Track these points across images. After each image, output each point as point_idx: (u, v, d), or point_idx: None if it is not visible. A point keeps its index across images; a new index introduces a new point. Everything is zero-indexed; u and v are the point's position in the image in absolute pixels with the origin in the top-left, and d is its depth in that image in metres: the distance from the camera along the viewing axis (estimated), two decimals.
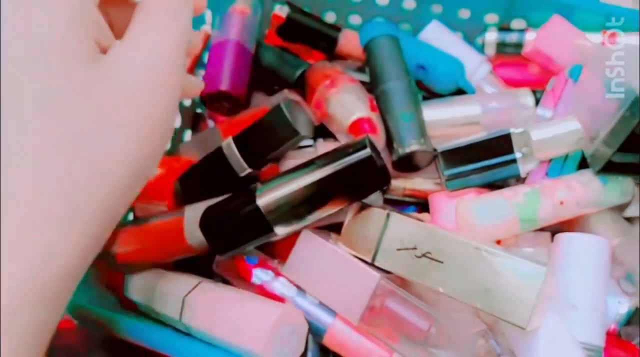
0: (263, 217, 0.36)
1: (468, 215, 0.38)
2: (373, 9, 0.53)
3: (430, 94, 0.49)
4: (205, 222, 0.38)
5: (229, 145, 0.41)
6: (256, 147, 0.40)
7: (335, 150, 0.36)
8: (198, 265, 0.43)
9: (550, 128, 0.42)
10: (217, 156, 0.41)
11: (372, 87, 0.47)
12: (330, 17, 0.55)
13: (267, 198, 0.36)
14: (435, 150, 0.42)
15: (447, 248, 0.34)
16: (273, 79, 0.51)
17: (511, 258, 0.32)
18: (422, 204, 0.47)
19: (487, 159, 0.40)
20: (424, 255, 0.34)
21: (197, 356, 0.37)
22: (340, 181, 0.34)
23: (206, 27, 0.54)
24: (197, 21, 0.52)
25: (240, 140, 0.40)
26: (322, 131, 0.46)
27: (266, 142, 0.39)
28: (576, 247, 0.39)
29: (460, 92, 0.49)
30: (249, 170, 0.41)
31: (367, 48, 0.49)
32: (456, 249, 0.33)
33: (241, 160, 0.40)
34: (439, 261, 0.33)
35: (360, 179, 0.34)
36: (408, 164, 0.44)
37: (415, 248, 0.34)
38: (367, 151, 0.34)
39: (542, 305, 0.32)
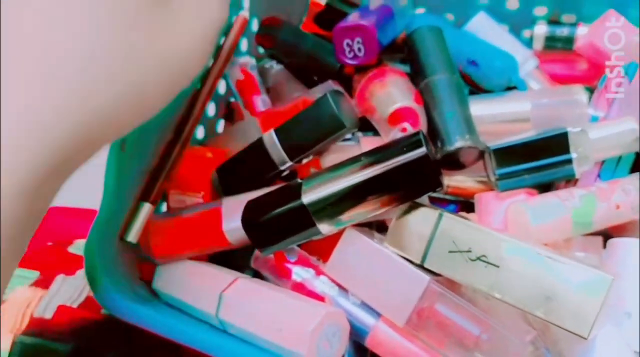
0: (308, 214, 0.34)
1: (521, 216, 0.37)
2: None
3: (479, 91, 0.47)
4: (247, 217, 0.36)
5: (271, 137, 0.39)
6: (299, 139, 0.39)
7: (387, 146, 0.34)
8: (233, 259, 0.42)
9: (606, 128, 0.40)
10: (257, 148, 0.40)
11: (415, 80, 0.46)
12: None
13: (313, 195, 0.34)
14: (486, 146, 0.41)
15: (505, 252, 0.32)
16: (312, 68, 0.49)
17: (575, 265, 0.30)
18: (463, 203, 0.45)
19: (542, 159, 0.39)
20: (478, 258, 0.32)
21: (235, 354, 0.36)
22: (391, 181, 0.33)
23: (244, 12, 0.52)
24: (235, 4, 0.50)
25: (282, 132, 0.39)
26: (363, 125, 0.45)
27: (310, 134, 0.38)
28: (630, 253, 0.37)
29: (507, 89, 0.47)
30: (289, 163, 0.39)
31: (409, 39, 0.47)
32: (515, 254, 0.32)
33: (282, 152, 0.39)
34: (495, 265, 0.32)
35: (414, 180, 0.33)
36: (454, 162, 0.42)
37: (469, 251, 0.33)
38: (422, 150, 0.32)
39: (603, 314, 0.31)
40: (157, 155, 0.43)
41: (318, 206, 0.34)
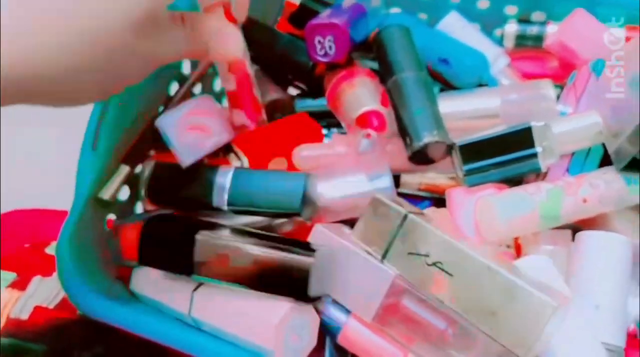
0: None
1: (489, 211, 0.37)
2: None
3: (450, 88, 0.48)
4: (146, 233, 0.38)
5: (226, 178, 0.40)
6: (249, 201, 0.40)
7: (281, 240, 0.35)
8: None
9: (570, 121, 0.41)
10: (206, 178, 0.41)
11: (383, 79, 0.46)
12: None
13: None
14: (452, 142, 0.41)
15: (460, 262, 0.32)
16: (286, 67, 0.50)
17: (524, 287, 0.30)
18: (437, 199, 0.45)
19: (507, 154, 0.39)
20: (434, 264, 0.33)
21: (208, 350, 0.36)
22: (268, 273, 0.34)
23: None
24: None
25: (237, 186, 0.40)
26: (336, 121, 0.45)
27: (263, 201, 0.39)
28: (598, 246, 0.38)
29: (479, 86, 0.48)
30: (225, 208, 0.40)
31: (377, 38, 0.47)
32: (469, 265, 0.32)
33: (225, 197, 0.40)
34: (449, 274, 0.32)
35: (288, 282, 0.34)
36: (424, 157, 0.42)
37: (427, 255, 0.33)
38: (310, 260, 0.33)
39: (548, 337, 0.31)
40: (141, 123, 0.43)
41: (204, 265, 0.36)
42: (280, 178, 0.40)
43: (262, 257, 0.34)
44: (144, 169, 0.44)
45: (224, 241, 0.35)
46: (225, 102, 0.56)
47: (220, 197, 0.39)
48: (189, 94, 0.48)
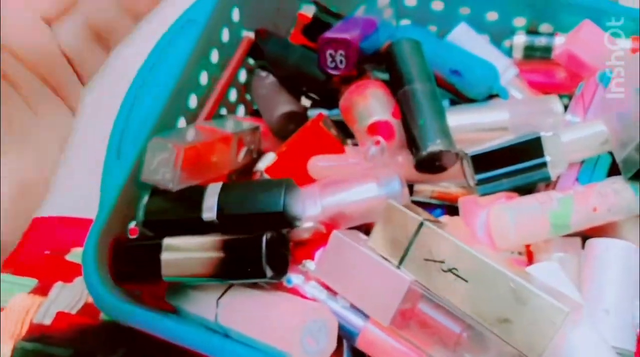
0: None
1: (501, 219, 0.39)
2: (401, 10, 0.53)
3: (462, 99, 0.49)
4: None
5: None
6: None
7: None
8: None
9: (576, 130, 0.42)
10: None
11: (394, 90, 0.47)
12: None
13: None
14: (458, 150, 0.42)
15: (475, 269, 0.33)
16: (300, 79, 0.51)
17: (537, 292, 0.31)
18: (449, 207, 0.47)
19: (517, 163, 0.40)
20: (450, 270, 0.34)
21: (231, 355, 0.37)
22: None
23: (250, 34, 0.54)
24: (226, 18, 0.52)
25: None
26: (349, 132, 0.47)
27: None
28: (607, 253, 0.39)
29: (490, 97, 0.49)
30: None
31: (388, 51, 0.48)
32: (483, 272, 0.33)
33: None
34: (464, 280, 0.33)
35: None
36: (431, 166, 0.43)
37: (442, 262, 0.34)
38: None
39: (562, 339, 0.32)
40: None
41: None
42: (265, 182, 0.43)
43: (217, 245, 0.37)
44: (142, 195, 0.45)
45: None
46: (240, 112, 0.58)
47: (210, 209, 0.41)
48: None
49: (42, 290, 0.57)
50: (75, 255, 0.61)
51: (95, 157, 0.44)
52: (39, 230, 0.65)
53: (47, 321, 0.53)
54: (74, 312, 0.54)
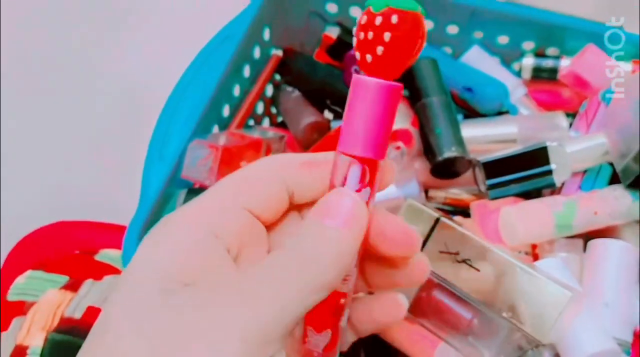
0: None
1: (510, 220, 0.42)
2: None
3: (475, 114, 0.53)
4: None
5: None
6: None
7: None
8: None
9: (579, 142, 0.46)
10: None
11: (413, 103, 0.51)
12: None
13: None
14: (472, 157, 0.46)
15: (486, 259, 0.37)
16: (324, 94, 0.55)
17: (541, 278, 0.35)
18: (460, 212, 0.50)
19: (525, 170, 0.44)
20: (464, 261, 0.37)
21: None
22: None
23: (278, 52, 0.59)
24: (257, 37, 0.56)
25: None
26: None
27: None
28: (607, 251, 0.42)
29: (500, 113, 0.53)
30: None
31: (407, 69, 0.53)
32: (494, 262, 0.36)
33: None
34: (476, 269, 0.37)
35: None
36: (446, 171, 0.47)
37: (457, 253, 0.38)
38: None
39: (566, 323, 0.35)
40: None
41: None
42: None
43: None
44: (179, 196, 0.48)
45: None
46: (266, 123, 0.62)
47: None
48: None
49: (72, 286, 0.59)
50: (104, 255, 0.64)
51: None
52: (67, 232, 0.68)
53: (78, 315, 0.56)
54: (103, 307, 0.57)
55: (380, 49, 0.20)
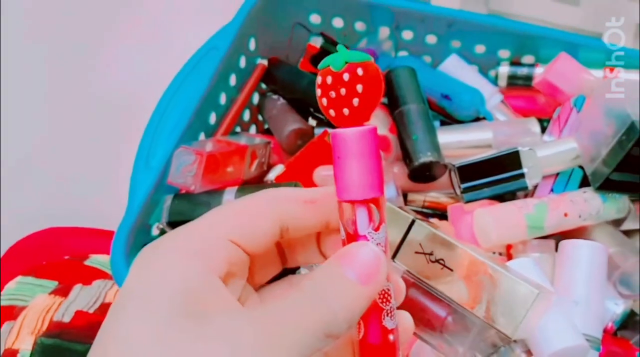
0: None
1: (484, 222, 0.44)
2: (399, 43, 0.60)
3: (452, 121, 0.55)
4: None
5: None
6: None
7: None
8: None
9: (552, 147, 0.47)
10: None
11: (391, 110, 0.53)
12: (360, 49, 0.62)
13: None
14: (447, 162, 0.48)
15: (459, 259, 0.38)
16: (308, 102, 0.57)
17: (511, 277, 0.36)
18: (439, 215, 0.52)
19: (498, 174, 0.46)
20: (437, 261, 0.39)
21: None
22: None
23: (263, 61, 0.60)
24: (242, 48, 0.58)
25: None
26: None
27: None
28: (577, 251, 0.44)
29: (477, 119, 0.55)
30: None
31: (387, 77, 0.54)
32: (466, 261, 0.38)
33: None
34: (450, 269, 0.38)
35: None
36: (423, 175, 0.49)
37: (431, 253, 0.39)
38: None
39: (535, 320, 0.36)
40: None
41: None
42: (276, 185, 0.47)
43: None
44: (165, 200, 0.49)
45: None
46: (252, 130, 0.64)
47: None
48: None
49: (62, 291, 0.60)
50: (93, 260, 0.65)
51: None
52: (57, 238, 0.69)
53: (67, 319, 0.57)
54: (91, 311, 0.57)
55: (356, 101, 0.21)
